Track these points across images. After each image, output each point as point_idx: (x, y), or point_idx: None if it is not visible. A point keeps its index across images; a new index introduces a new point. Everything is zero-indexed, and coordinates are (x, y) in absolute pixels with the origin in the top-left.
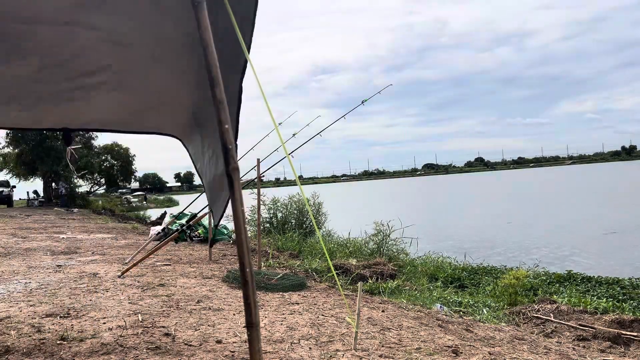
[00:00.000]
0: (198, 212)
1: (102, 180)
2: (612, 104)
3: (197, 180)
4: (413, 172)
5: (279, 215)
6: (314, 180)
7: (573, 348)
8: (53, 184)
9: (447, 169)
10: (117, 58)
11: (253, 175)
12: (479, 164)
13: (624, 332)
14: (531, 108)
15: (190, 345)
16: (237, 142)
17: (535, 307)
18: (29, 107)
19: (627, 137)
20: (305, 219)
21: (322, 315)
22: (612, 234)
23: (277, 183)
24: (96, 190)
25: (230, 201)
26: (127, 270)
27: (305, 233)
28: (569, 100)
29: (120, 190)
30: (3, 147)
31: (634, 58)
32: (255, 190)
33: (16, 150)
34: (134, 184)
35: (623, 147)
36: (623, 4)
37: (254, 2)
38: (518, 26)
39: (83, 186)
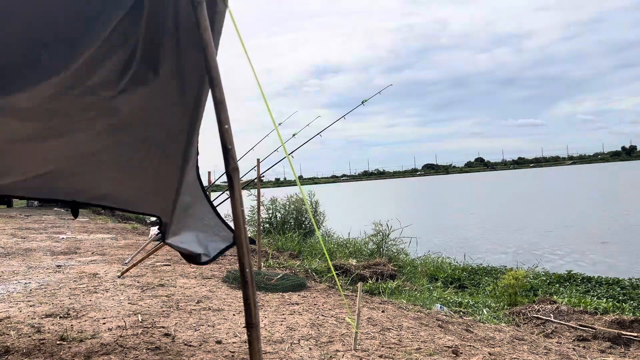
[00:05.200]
0: None
1: None
2: (611, 105)
3: None
4: (413, 173)
5: (279, 215)
6: (314, 181)
7: (573, 348)
8: None
9: (447, 169)
10: (114, 140)
11: (253, 175)
12: (479, 164)
13: (624, 333)
14: (530, 109)
15: (190, 346)
16: (235, 142)
17: (536, 307)
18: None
19: (626, 137)
20: (304, 218)
21: (322, 315)
22: (614, 235)
23: (277, 183)
24: None
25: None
26: (127, 270)
27: (304, 233)
28: (568, 101)
29: None
30: None
31: (632, 59)
32: (253, 191)
33: None
34: None
35: (623, 147)
36: (621, 5)
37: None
38: (517, 27)
39: None
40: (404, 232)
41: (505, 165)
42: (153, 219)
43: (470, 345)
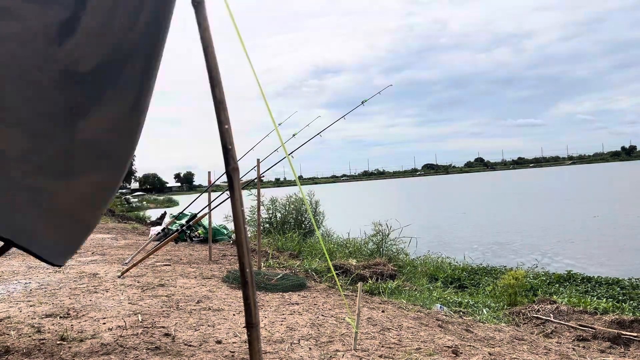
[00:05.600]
0: (198, 213)
1: None
2: (611, 105)
3: (197, 181)
4: (413, 173)
5: (279, 215)
6: (313, 181)
7: (573, 348)
8: None
9: (447, 169)
10: None
11: (253, 175)
12: (479, 165)
13: (623, 333)
14: (530, 109)
15: (190, 346)
16: (235, 142)
17: (535, 307)
18: None
19: (626, 137)
20: (304, 218)
21: (322, 315)
22: (613, 234)
23: (277, 183)
24: None
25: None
26: (127, 270)
27: (304, 233)
28: (568, 101)
29: (120, 191)
30: None
31: (633, 59)
32: (253, 191)
33: None
34: (134, 184)
35: (623, 148)
36: (621, 5)
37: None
38: (517, 27)
39: None
40: (404, 232)
41: (505, 165)
42: (153, 218)
43: (470, 345)
